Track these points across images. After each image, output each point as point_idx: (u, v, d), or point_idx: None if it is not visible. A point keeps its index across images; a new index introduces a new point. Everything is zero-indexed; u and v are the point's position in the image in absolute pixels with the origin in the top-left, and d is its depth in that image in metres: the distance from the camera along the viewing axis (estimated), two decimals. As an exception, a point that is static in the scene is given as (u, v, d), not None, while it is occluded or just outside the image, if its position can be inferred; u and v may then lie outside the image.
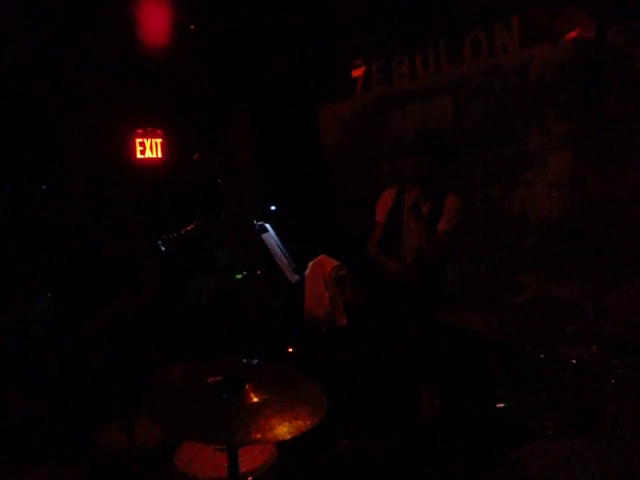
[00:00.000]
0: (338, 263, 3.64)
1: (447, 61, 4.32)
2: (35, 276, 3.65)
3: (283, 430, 1.41)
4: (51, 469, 2.28)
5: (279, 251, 3.90)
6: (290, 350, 3.73)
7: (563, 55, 3.60)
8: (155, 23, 4.46)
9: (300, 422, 1.44)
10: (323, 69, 4.98)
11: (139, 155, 5.26)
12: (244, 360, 1.66)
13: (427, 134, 3.58)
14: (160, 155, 5.32)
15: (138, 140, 5.25)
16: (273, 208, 4.43)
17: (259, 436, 1.37)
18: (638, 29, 3.26)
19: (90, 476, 2.33)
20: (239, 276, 3.97)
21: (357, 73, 4.94)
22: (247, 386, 1.55)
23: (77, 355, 3.35)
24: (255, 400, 1.52)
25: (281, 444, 2.14)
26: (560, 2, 3.55)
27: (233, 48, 4.87)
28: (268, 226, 3.96)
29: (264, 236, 3.88)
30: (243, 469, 1.83)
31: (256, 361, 1.73)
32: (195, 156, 5.14)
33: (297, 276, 3.84)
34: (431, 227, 3.36)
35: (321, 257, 3.71)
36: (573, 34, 3.55)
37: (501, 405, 2.78)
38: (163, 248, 3.85)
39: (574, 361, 2.60)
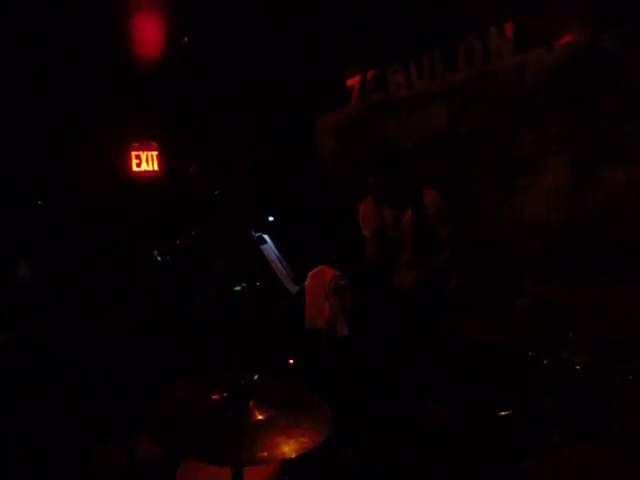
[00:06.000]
0: (338, 273, 3.62)
1: (442, 68, 4.32)
2: (34, 292, 3.62)
3: (289, 448, 1.38)
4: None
5: (278, 262, 3.88)
6: (291, 361, 3.70)
7: (557, 60, 3.61)
8: (150, 36, 4.46)
9: (306, 439, 1.41)
10: (319, 78, 4.98)
11: (135, 168, 5.26)
12: (247, 376, 1.63)
13: (380, 154, 3.46)
14: (156, 168, 5.31)
15: (134, 153, 5.25)
16: (271, 219, 4.41)
17: (265, 454, 1.35)
18: (631, 34, 3.27)
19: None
20: (238, 288, 3.94)
21: (352, 82, 4.94)
22: (251, 403, 1.52)
23: (77, 371, 3.32)
24: (260, 417, 1.49)
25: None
26: (553, 7, 3.56)
27: (229, 60, 4.86)
28: (266, 237, 3.94)
29: (263, 247, 3.86)
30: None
31: (257, 375, 1.70)
32: (191, 168, 5.12)
33: (297, 287, 3.82)
34: (422, 226, 3.34)
35: (321, 267, 3.69)
36: (567, 39, 3.55)
37: (505, 413, 2.76)
38: (159, 258, 3.82)
39: (578, 367, 2.58)
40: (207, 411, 1.51)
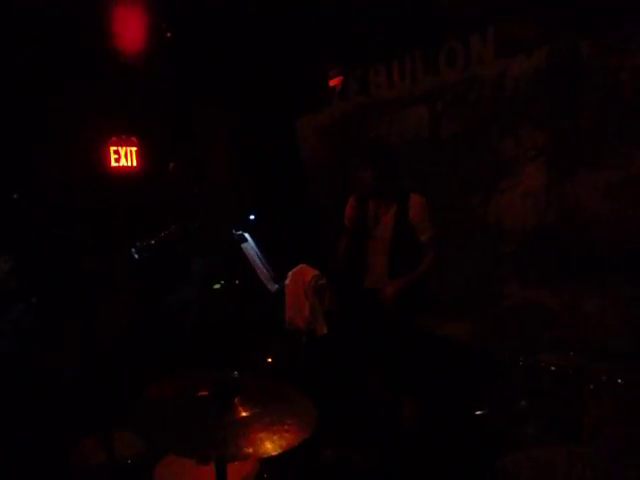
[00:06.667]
0: (318, 272, 3.63)
1: (423, 71, 4.37)
2: (8, 287, 3.55)
3: (274, 444, 1.39)
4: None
5: (258, 261, 3.88)
6: (269, 360, 3.70)
7: (537, 67, 3.68)
8: (131, 30, 4.41)
9: (291, 435, 1.42)
10: (301, 78, 4.99)
11: (114, 163, 5.18)
12: (231, 373, 1.64)
13: (371, 148, 3.46)
14: (135, 163, 5.24)
15: (113, 148, 5.18)
16: (252, 217, 4.40)
17: (250, 451, 1.35)
18: (610, 42, 3.35)
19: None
20: (217, 286, 3.92)
21: (334, 83, 4.96)
22: (236, 400, 1.52)
23: (52, 369, 3.26)
24: (244, 414, 1.50)
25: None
26: (535, 14, 3.63)
27: (211, 56, 4.84)
28: (247, 236, 3.93)
29: (243, 246, 3.85)
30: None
31: (236, 373, 1.70)
32: (171, 165, 5.08)
33: (276, 285, 3.82)
34: (402, 227, 3.34)
35: (301, 266, 3.70)
36: (547, 46, 3.62)
37: (480, 412, 2.80)
38: (136, 256, 3.77)
39: (553, 368, 2.63)
40: (192, 408, 1.51)
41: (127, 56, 4.44)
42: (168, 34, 4.47)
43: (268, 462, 2.22)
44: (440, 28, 4.15)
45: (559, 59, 3.57)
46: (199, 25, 4.57)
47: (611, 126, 3.38)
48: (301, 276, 3.64)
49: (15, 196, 4.20)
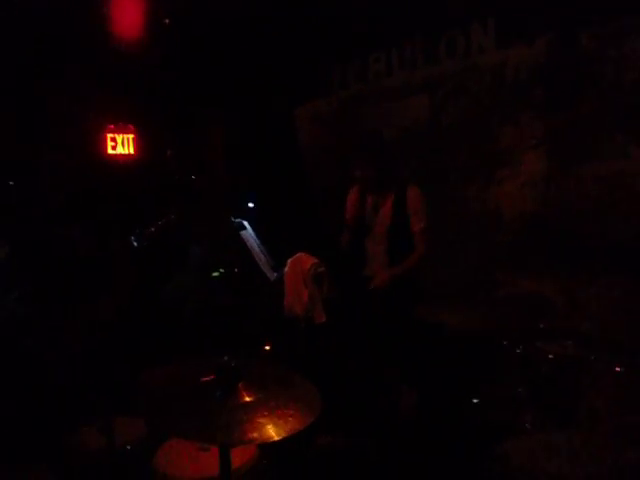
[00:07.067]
0: (317, 260, 3.63)
1: (423, 60, 4.35)
2: (5, 273, 3.54)
3: (278, 429, 1.40)
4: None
5: (257, 248, 3.87)
6: (267, 348, 3.71)
7: (538, 56, 3.68)
8: (129, 16, 4.37)
9: (295, 420, 1.43)
10: (299, 66, 4.96)
11: (110, 151, 5.15)
12: (236, 358, 1.64)
13: (369, 143, 3.47)
14: (132, 151, 5.21)
15: (109, 135, 5.15)
16: (251, 205, 4.39)
17: (255, 435, 1.36)
18: (609, 33, 3.35)
19: (62, 476, 2.27)
20: (216, 274, 3.92)
21: (334, 70, 4.93)
22: (239, 385, 1.53)
23: (45, 357, 3.25)
24: (248, 399, 1.50)
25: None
26: (535, 3, 3.61)
27: (208, 42, 4.81)
28: (246, 223, 3.93)
29: (242, 233, 3.85)
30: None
31: (235, 359, 1.71)
32: (168, 152, 5.06)
33: (275, 274, 3.82)
34: (399, 217, 3.39)
35: (300, 254, 3.69)
36: (547, 36, 3.62)
37: (477, 400, 2.82)
38: (135, 243, 3.76)
39: (551, 356, 2.65)
40: (196, 393, 1.51)
41: (124, 43, 4.40)
42: (166, 20, 4.43)
43: (268, 448, 2.24)
44: (440, 17, 4.13)
45: (559, 49, 3.57)
46: (199, 16, 4.53)
47: (610, 116, 3.39)
48: (300, 264, 3.63)
49: (11, 183, 4.17)
